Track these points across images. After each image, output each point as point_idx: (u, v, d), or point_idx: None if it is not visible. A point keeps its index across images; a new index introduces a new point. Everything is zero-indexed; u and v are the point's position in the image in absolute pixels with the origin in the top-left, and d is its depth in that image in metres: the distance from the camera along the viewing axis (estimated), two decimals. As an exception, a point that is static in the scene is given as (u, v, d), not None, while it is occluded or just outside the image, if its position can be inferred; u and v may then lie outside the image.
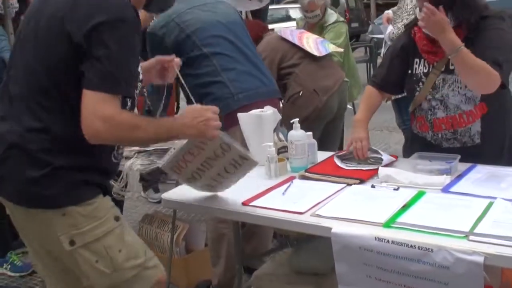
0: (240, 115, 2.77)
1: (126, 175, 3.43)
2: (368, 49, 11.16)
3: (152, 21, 3.51)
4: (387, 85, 2.78)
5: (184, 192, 2.52)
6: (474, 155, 2.54)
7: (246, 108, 2.90)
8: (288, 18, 16.12)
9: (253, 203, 2.25)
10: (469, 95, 2.51)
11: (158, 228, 3.71)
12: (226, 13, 3.28)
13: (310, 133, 2.68)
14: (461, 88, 2.50)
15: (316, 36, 4.15)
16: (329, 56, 4.05)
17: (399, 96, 4.75)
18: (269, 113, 2.77)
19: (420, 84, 2.59)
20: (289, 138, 2.63)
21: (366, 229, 1.93)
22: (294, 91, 3.87)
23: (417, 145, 2.74)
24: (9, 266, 4.05)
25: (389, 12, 4.84)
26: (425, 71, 2.59)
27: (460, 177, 2.35)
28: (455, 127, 2.57)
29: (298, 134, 2.61)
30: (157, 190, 5.11)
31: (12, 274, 4.03)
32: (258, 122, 2.73)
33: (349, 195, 2.26)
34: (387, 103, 4.90)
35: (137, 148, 3.55)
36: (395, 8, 4.90)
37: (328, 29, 4.54)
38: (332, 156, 2.73)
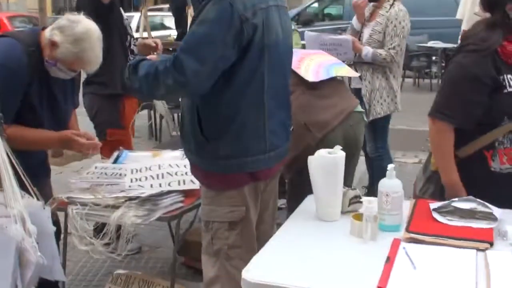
0: (311, 158, 2.14)
1: (113, 229, 2.64)
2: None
3: None
4: (467, 123, 2.30)
5: (267, 266, 1.83)
6: None
7: None
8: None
9: None
10: None
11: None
12: (289, 33, 2.45)
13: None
14: None
15: (328, 58, 3.40)
16: (337, 82, 3.29)
17: (379, 116, 4.38)
18: (342, 155, 2.17)
19: None
20: (381, 189, 2.04)
21: None
22: None
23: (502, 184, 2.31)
24: None
25: None
26: None
27: None
28: None
29: (394, 184, 2.04)
30: None
31: None
32: (333, 166, 2.12)
33: (500, 268, 1.73)
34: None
35: (123, 194, 2.75)
36: None
37: None
38: (420, 206, 2.19)
